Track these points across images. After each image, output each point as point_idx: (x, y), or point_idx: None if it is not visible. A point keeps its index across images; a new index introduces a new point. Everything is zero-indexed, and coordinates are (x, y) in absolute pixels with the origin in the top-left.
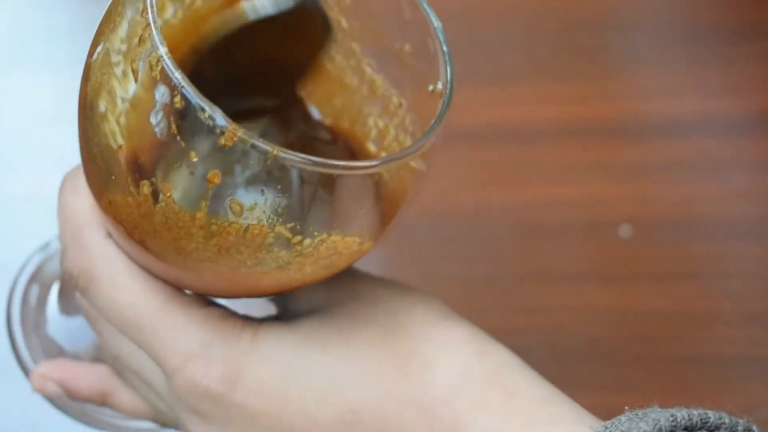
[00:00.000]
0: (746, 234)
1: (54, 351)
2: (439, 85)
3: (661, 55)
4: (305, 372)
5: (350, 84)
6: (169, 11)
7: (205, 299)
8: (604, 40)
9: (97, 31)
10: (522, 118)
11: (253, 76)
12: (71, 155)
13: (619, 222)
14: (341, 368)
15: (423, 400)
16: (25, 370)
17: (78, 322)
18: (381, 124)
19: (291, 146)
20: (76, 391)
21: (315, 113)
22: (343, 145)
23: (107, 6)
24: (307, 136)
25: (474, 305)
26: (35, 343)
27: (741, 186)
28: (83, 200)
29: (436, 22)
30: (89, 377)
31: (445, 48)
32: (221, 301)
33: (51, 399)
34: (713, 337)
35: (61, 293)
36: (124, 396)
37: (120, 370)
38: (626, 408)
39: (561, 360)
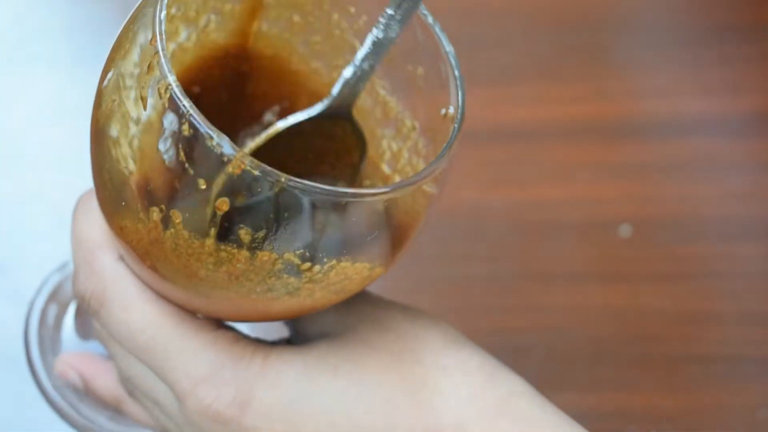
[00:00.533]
0: (746, 234)
1: None
2: (451, 110)
3: (661, 55)
4: (316, 397)
5: (364, 106)
6: (182, 35)
7: (216, 322)
8: (604, 40)
9: (108, 56)
10: (522, 118)
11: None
12: (71, 155)
13: (619, 222)
14: (352, 393)
15: (433, 427)
16: (41, 388)
17: (94, 345)
18: (395, 146)
19: None
20: (94, 387)
21: None
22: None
23: (107, 6)
24: None
25: (474, 305)
26: (52, 363)
27: (741, 186)
28: (96, 223)
29: (448, 47)
30: (109, 378)
31: (456, 73)
32: (235, 324)
33: (68, 419)
34: (713, 337)
35: (78, 314)
36: (138, 405)
37: (131, 390)
38: None
39: (561, 360)
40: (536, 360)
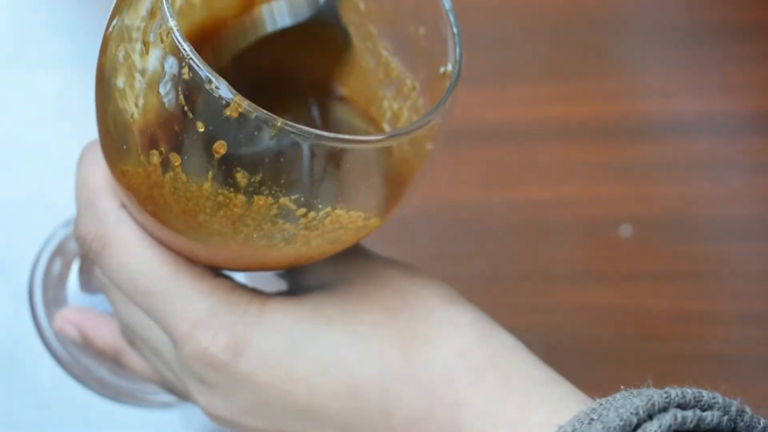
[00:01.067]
0: (746, 234)
1: None
2: (449, 67)
3: (661, 55)
4: (310, 345)
5: (367, 66)
6: None
7: (215, 271)
8: (604, 40)
9: (114, 4)
10: (522, 118)
11: (273, 87)
12: (71, 155)
13: (619, 222)
14: (345, 343)
15: (423, 377)
16: (46, 344)
17: (97, 299)
18: (395, 106)
19: None
20: (92, 339)
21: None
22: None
23: (107, 6)
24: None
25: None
26: (55, 316)
27: (741, 186)
28: (100, 169)
29: (448, 4)
30: (106, 330)
31: (455, 29)
32: (236, 276)
33: (70, 370)
34: (713, 337)
35: (82, 270)
36: (136, 356)
37: (131, 339)
38: (622, 387)
39: (561, 360)
40: None
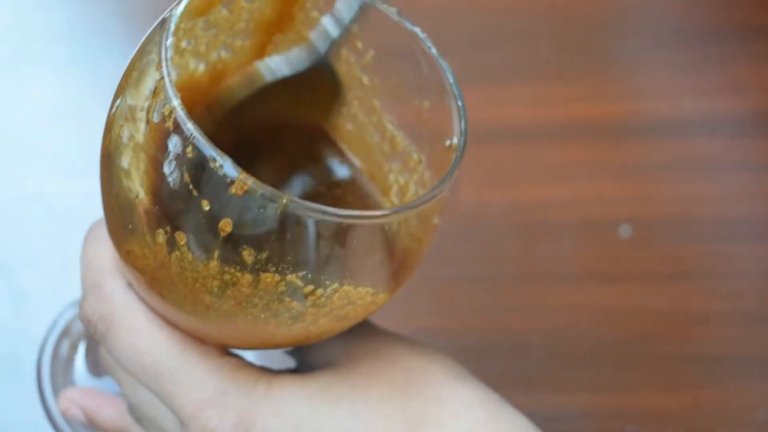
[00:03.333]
0: (746, 234)
1: None
2: (455, 140)
3: (661, 55)
4: (317, 425)
5: (372, 140)
6: (192, 66)
7: (222, 349)
8: (604, 40)
9: (118, 84)
10: (522, 118)
11: (268, 136)
12: (71, 156)
13: (619, 222)
14: (352, 423)
15: None
16: (53, 422)
17: (105, 382)
18: (402, 180)
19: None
20: (98, 420)
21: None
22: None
23: (107, 6)
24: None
25: (474, 305)
26: None
27: (741, 186)
28: (106, 249)
29: (451, 78)
30: (112, 410)
31: (459, 103)
32: (244, 353)
33: None
34: (713, 337)
35: (89, 351)
36: None
37: (137, 417)
38: None
39: (561, 360)
40: (536, 360)
